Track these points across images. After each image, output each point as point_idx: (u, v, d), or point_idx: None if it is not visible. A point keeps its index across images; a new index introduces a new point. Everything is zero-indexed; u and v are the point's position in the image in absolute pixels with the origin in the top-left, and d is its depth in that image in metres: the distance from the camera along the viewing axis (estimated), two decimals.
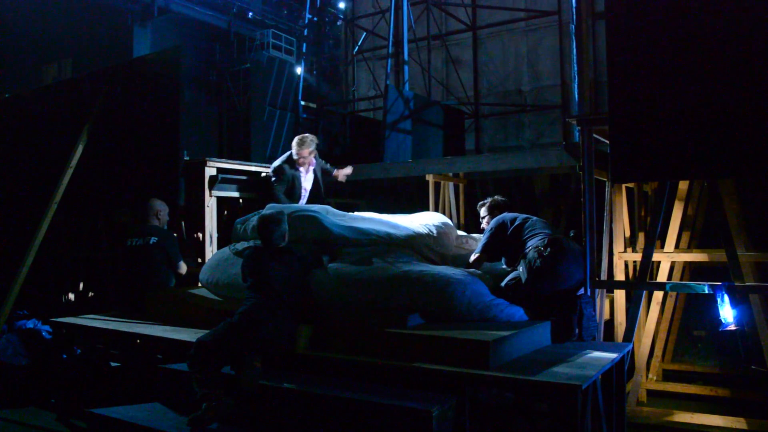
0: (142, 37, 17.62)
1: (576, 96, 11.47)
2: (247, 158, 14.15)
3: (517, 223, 4.94)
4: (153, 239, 6.03)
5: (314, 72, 17.59)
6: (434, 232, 5.65)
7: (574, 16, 11.47)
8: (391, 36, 11.46)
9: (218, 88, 20.10)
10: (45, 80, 13.48)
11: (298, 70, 17.21)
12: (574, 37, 11.72)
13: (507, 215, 5.11)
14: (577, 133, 11.66)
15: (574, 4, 11.53)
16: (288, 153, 6.89)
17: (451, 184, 7.91)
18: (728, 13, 4.25)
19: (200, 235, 7.00)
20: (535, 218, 5.02)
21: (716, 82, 4.25)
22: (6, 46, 15.29)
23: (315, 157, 6.92)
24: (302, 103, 15.45)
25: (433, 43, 14.03)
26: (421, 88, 13.62)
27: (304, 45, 15.62)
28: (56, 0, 16.49)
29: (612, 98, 4.62)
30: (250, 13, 22.35)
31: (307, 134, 6.92)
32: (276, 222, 4.63)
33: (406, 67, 11.57)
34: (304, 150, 6.68)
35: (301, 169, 6.83)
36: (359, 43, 15.13)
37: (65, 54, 15.59)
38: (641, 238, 6.56)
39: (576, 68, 11.71)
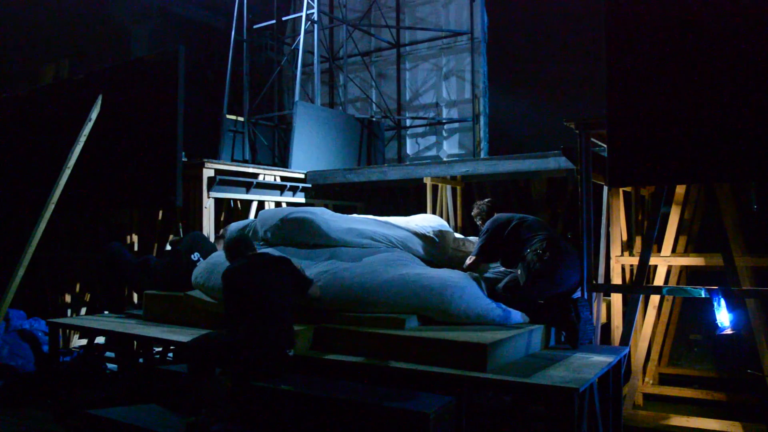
0: (140, 38, 17.58)
1: (487, 109, 12.42)
2: (244, 160, 14.33)
3: (513, 223, 4.92)
4: None
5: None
6: (431, 234, 5.67)
7: (486, 36, 12.21)
8: (300, 55, 11.81)
9: (216, 89, 20.05)
10: (42, 80, 13.42)
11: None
12: (484, 56, 12.51)
13: (502, 216, 5.09)
14: (487, 146, 12.54)
15: (485, 23, 12.23)
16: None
17: (448, 187, 7.93)
18: (726, 19, 4.27)
19: None
20: (531, 218, 5.02)
21: (713, 87, 4.28)
22: (2, 46, 15.24)
23: None
24: (228, 116, 15.54)
25: (361, 60, 14.60)
26: (343, 102, 14.41)
27: (230, 62, 15.72)
28: (53, 0, 16.44)
29: (610, 103, 4.64)
30: (249, 15, 22.31)
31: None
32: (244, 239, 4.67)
33: (317, 83, 12.14)
34: None
35: None
36: (285, 59, 15.55)
37: (62, 54, 15.52)
38: (638, 241, 6.57)
39: (485, 83, 12.52)
